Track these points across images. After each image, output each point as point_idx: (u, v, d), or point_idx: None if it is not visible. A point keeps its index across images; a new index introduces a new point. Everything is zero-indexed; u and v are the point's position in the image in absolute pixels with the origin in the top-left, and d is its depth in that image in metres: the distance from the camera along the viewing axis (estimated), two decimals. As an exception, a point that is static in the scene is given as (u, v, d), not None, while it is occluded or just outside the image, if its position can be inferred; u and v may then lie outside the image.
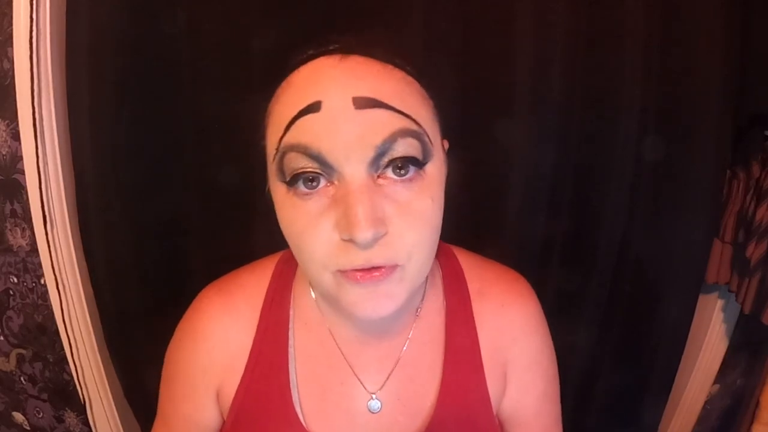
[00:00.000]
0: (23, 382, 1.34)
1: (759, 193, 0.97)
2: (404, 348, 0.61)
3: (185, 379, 0.63)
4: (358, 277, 0.47)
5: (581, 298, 1.09)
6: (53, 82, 1.02)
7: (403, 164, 0.46)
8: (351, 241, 0.45)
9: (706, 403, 1.23)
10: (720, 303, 1.15)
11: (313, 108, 0.45)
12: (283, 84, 0.49)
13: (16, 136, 1.07)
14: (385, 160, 0.46)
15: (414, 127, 0.46)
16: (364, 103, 0.45)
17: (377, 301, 0.48)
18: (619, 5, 0.92)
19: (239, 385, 0.60)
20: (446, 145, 0.54)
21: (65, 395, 1.31)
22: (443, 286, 0.64)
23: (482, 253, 0.70)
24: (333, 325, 0.61)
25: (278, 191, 0.49)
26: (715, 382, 1.21)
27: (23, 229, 1.16)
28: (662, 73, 0.95)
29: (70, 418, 1.34)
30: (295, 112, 0.46)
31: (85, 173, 1.08)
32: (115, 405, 1.25)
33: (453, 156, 0.56)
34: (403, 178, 0.47)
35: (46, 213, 1.08)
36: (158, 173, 1.06)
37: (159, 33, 0.98)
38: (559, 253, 1.06)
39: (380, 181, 0.46)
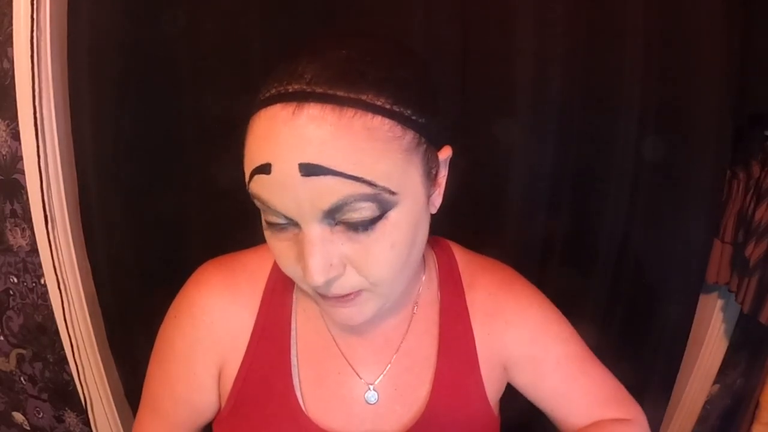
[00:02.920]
0: (23, 382, 1.34)
1: (759, 193, 0.97)
2: (401, 342, 0.62)
3: (183, 357, 0.61)
4: (327, 299, 0.51)
5: (581, 298, 1.09)
6: (53, 81, 1.02)
7: (354, 226, 0.46)
8: None
9: (706, 403, 1.23)
10: (720, 303, 1.15)
11: (265, 170, 0.45)
12: (250, 122, 0.48)
13: (16, 136, 1.07)
14: (337, 218, 0.46)
15: (367, 190, 0.44)
16: (310, 170, 0.43)
17: (348, 314, 0.52)
18: (619, 5, 0.93)
19: (240, 368, 0.60)
20: (448, 152, 0.53)
21: (65, 395, 1.31)
22: (438, 280, 0.65)
23: (482, 252, 0.70)
24: (328, 318, 0.62)
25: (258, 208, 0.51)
26: (715, 382, 1.21)
27: (23, 229, 1.16)
28: (662, 73, 0.95)
29: (70, 418, 1.34)
30: (252, 167, 0.46)
31: (86, 173, 1.08)
32: (115, 405, 1.25)
33: (453, 156, 0.56)
34: (357, 232, 0.47)
35: (47, 213, 1.08)
36: (159, 173, 1.06)
37: (159, 33, 0.98)
38: (559, 253, 1.06)
39: (337, 227, 0.47)
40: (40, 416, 1.37)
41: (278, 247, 0.50)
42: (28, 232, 1.15)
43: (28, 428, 1.40)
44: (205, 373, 0.61)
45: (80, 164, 1.09)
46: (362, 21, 0.95)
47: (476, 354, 0.63)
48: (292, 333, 0.61)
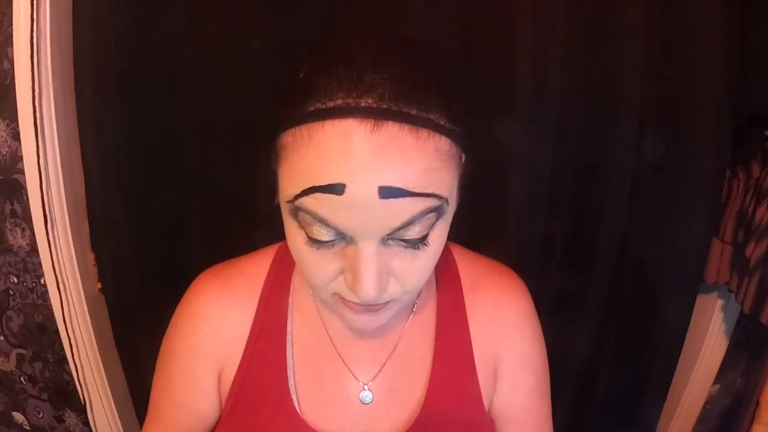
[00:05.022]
0: (23, 382, 1.34)
1: (759, 193, 0.97)
2: (398, 342, 0.62)
3: (184, 364, 0.62)
4: (355, 308, 0.50)
5: (581, 298, 1.09)
6: (53, 81, 1.02)
7: (413, 242, 0.47)
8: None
9: (706, 403, 1.23)
10: (720, 303, 1.15)
11: (336, 190, 0.42)
12: (303, 129, 0.44)
13: (16, 136, 1.07)
14: (398, 235, 0.46)
15: (435, 203, 0.45)
16: (390, 192, 0.42)
17: (367, 321, 0.52)
18: (618, 5, 0.93)
19: (237, 371, 0.60)
20: (463, 158, 0.53)
21: (65, 395, 1.31)
22: (437, 281, 0.64)
23: (483, 253, 0.70)
24: (326, 317, 0.62)
25: (288, 221, 0.49)
26: (715, 382, 1.21)
27: (23, 229, 1.16)
28: (662, 73, 0.95)
29: (70, 418, 1.34)
30: (315, 183, 0.43)
31: (88, 173, 1.08)
32: (115, 405, 1.25)
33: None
34: (412, 247, 0.47)
35: (47, 213, 1.08)
36: (160, 173, 1.06)
37: (161, 34, 0.98)
38: (559, 253, 1.06)
39: (390, 242, 0.47)
40: (40, 416, 1.37)
41: (315, 261, 0.48)
42: (28, 232, 1.15)
43: (28, 428, 1.40)
44: (206, 380, 0.62)
45: (84, 164, 1.09)
46: (362, 21, 0.95)
47: (473, 357, 0.62)
48: (288, 336, 0.61)
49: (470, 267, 0.66)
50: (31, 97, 1.01)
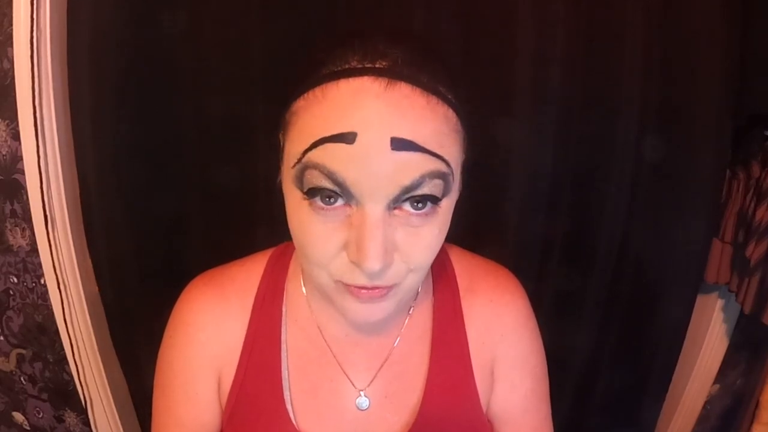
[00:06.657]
0: (23, 382, 1.34)
1: (759, 193, 0.97)
2: (394, 346, 0.61)
3: (184, 377, 0.61)
4: (358, 292, 0.49)
5: (581, 298, 1.09)
6: (54, 82, 1.02)
7: (421, 200, 0.46)
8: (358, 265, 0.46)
9: (706, 403, 1.23)
10: (720, 303, 1.15)
11: (347, 138, 0.43)
12: (317, 90, 0.45)
13: (16, 136, 1.07)
14: (407, 196, 0.46)
15: (444, 168, 0.46)
16: (402, 145, 0.43)
17: (369, 311, 0.51)
18: (619, 5, 0.93)
19: (233, 381, 0.60)
20: (466, 142, 0.53)
21: (65, 395, 1.31)
22: (433, 283, 0.64)
23: (482, 253, 0.70)
24: (322, 323, 0.61)
25: (292, 194, 0.48)
26: (715, 382, 1.21)
27: (23, 229, 1.16)
28: (662, 72, 0.95)
29: (70, 418, 1.34)
30: (326, 134, 0.43)
31: (87, 173, 1.08)
32: (116, 405, 1.25)
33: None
34: (419, 212, 0.47)
35: (47, 213, 1.08)
36: (159, 173, 1.06)
37: (160, 33, 0.98)
38: (559, 253, 1.06)
39: (396, 212, 0.47)
40: (40, 416, 1.37)
41: (318, 232, 0.47)
42: (28, 232, 1.15)
43: (28, 428, 1.40)
44: (206, 390, 0.61)
45: (80, 164, 1.09)
46: (362, 21, 0.95)
47: (470, 359, 0.61)
48: (282, 345, 0.60)
49: (467, 268, 0.65)
50: (31, 97, 1.01)
